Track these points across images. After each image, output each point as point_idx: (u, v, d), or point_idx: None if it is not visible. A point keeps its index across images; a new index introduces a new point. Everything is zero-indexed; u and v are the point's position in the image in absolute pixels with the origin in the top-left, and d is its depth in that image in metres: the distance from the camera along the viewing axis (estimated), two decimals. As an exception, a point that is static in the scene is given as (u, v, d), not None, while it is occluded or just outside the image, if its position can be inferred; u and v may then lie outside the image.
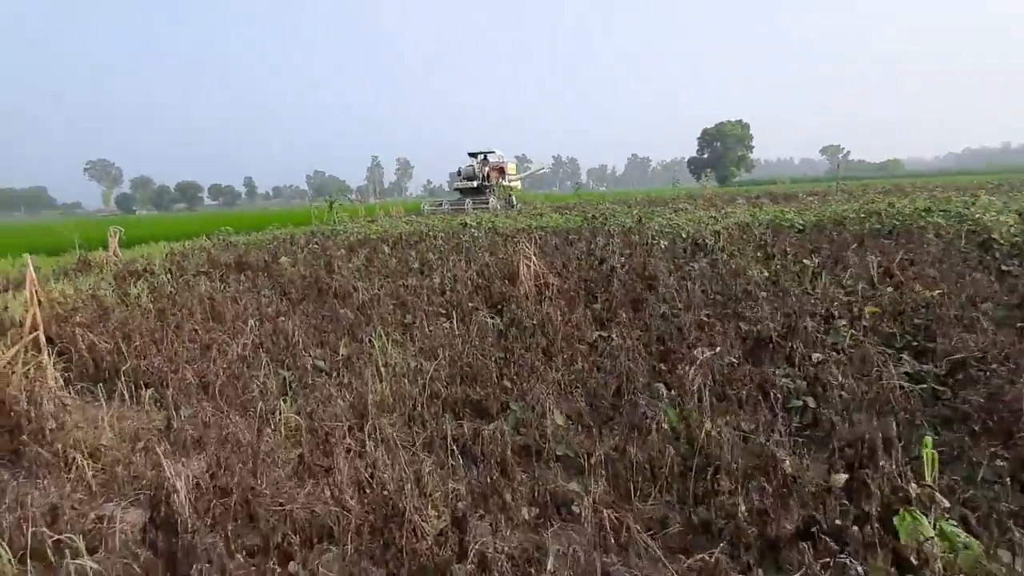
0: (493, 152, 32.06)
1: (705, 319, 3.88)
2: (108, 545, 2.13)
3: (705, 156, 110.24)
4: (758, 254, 6.77)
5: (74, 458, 2.74)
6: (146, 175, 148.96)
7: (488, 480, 2.22)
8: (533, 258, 5.40)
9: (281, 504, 2.35)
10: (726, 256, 6.49)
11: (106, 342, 4.38)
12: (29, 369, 4.02)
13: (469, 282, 5.70)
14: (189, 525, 2.14)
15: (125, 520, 2.33)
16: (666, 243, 6.86)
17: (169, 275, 8.25)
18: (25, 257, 4.10)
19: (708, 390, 2.80)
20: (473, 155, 32.21)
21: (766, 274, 5.94)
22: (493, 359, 3.45)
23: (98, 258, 11.39)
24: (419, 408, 2.96)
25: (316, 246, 9.72)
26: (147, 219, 41.29)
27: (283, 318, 5.17)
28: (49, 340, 4.44)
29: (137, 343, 4.33)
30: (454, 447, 2.55)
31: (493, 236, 9.36)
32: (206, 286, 7.05)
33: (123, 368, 4.04)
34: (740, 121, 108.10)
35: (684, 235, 7.51)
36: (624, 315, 4.11)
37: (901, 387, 2.76)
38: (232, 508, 2.34)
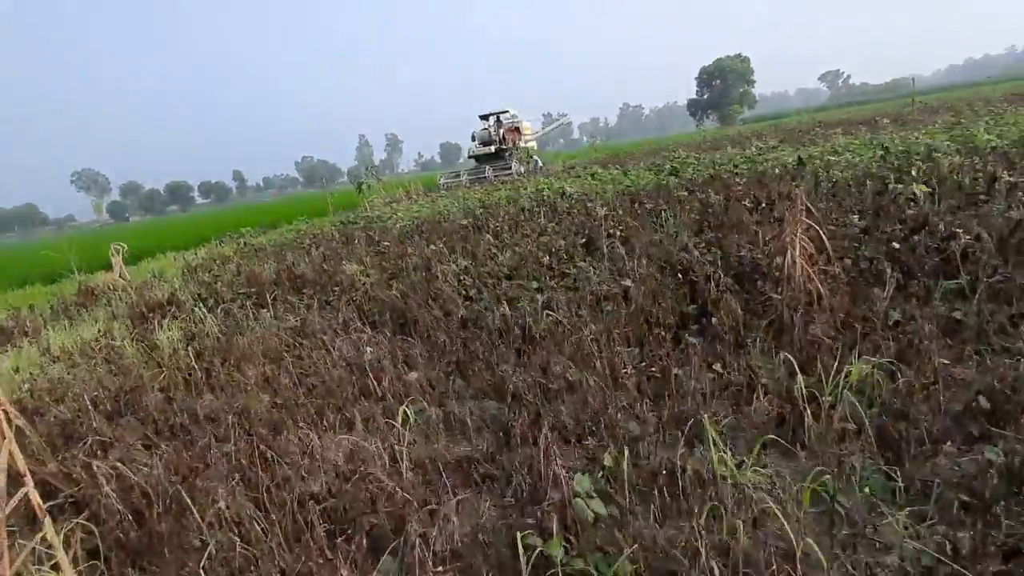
0: (506, 111, 29.28)
1: None
2: None
3: (705, 97, 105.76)
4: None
5: None
6: (134, 180, 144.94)
7: None
8: (802, 238, 3.26)
9: None
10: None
11: (150, 490, 2.34)
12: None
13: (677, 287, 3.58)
14: None
15: None
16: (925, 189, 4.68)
17: (200, 302, 6.17)
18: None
19: None
20: (484, 117, 29.49)
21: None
22: None
23: (102, 282, 9.33)
24: None
25: (371, 237, 7.59)
26: (143, 226, 39.03)
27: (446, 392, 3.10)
28: (47, 492, 2.41)
29: (213, 491, 2.28)
30: None
31: (586, 206, 7.15)
32: (268, 321, 5.01)
33: (208, 546, 2.01)
34: (739, 55, 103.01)
35: (918, 171, 5.28)
36: None
37: None
38: None
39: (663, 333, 3.24)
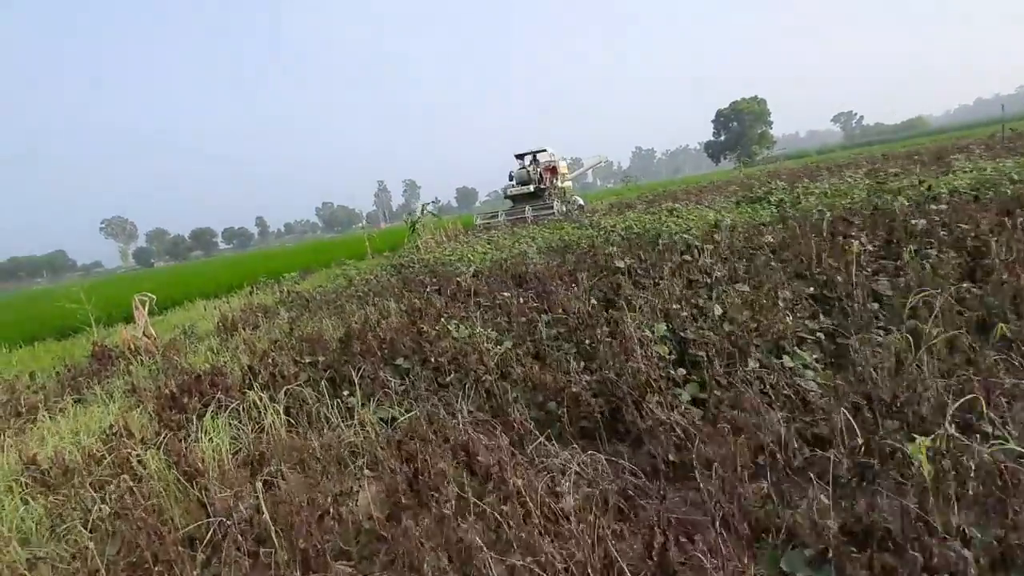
0: (544, 150, 28.29)
1: None
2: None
3: (723, 139, 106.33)
4: None
5: None
6: (161, 227, 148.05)
7: None
8: None
9: None
10: None
11: None
12: None
13: None
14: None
15: None
16: None
17: (250, 378, 4.45)
18: None
19: None
20: (520, 156, 28.59)
21: None
22: None
23: (123, 341, 7.71)
24: None
25: (458, 284, 5.88)
26: (168, 271, 38.39)
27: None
28: None
29: None
30: None
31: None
32: (365, 415, 3.26)
33: None
34: (756, 98, 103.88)
35: None
36: None
37: None
38: None
39: None
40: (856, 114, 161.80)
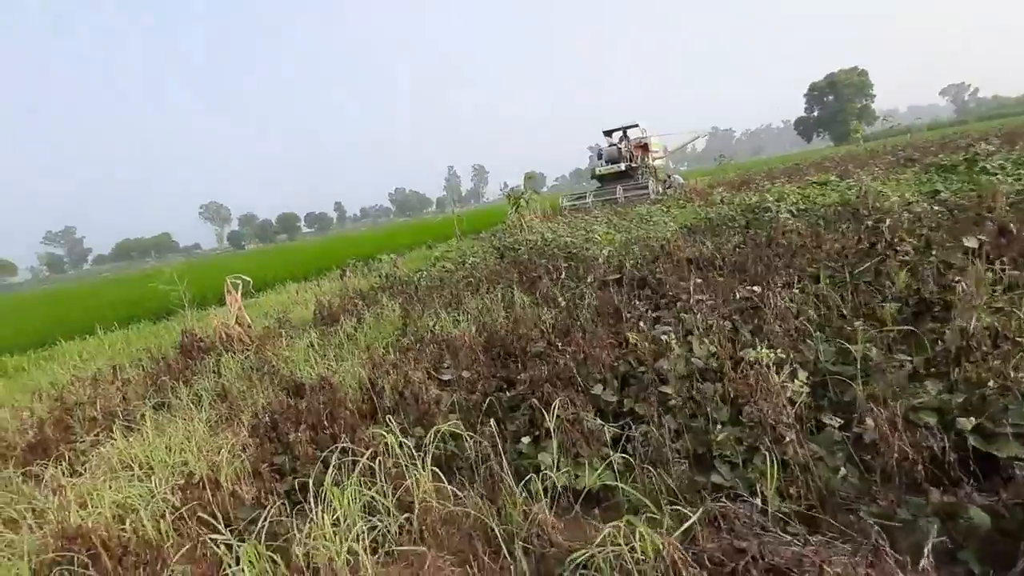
0: (635, 125, 25.87)
1: None
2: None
3: (815, 114, 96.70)
4: None
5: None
6: (251, 212, 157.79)
7: None
8: None
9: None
10: None
11: None
12: None
13: None
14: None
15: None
16: None
17: (372, 397, 3.17)
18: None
19: None
20: (608, 133, 26.30)
21: None
22: None
23: (215, 328, 6.85)
24: None
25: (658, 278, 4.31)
26: (258, 254, 39.76)
27: None
28: None
29: None
30: None
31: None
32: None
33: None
34: (856, 68, 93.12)
35: None
36: None
37: None
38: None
39: None
40: (969, 86, 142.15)
